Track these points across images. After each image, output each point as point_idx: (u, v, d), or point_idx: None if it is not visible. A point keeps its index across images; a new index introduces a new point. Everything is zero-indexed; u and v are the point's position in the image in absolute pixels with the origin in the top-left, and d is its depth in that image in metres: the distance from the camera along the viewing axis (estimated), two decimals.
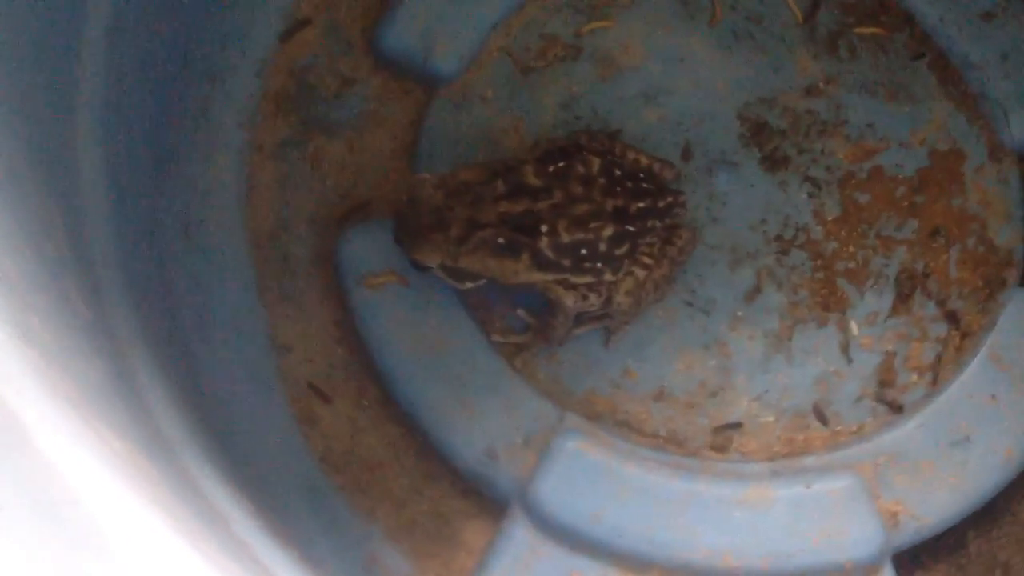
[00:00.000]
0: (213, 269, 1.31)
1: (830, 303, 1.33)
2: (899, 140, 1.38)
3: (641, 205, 1.22)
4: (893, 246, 1.35)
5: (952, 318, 1.33)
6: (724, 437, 1.29)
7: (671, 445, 1.29)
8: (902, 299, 1.33)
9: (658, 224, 1.24)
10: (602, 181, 1.21)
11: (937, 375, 1.32)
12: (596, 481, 1.22)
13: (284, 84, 1.40)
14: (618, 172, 1.23)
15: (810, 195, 1.36)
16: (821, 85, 1.39)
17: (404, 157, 1.38)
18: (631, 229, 1.22)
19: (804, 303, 1.33)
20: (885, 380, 1.31)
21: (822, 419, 1.30)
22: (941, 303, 1.34)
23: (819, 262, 1.34)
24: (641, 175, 1.26)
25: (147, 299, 1.08)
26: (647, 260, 1.24)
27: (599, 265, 1.21)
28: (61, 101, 1.02)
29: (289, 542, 1.02)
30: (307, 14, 1.42)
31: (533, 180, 1.20)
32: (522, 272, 1.19)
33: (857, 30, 1.42)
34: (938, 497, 1.27)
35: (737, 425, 1.29)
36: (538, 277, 1.20)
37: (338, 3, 1.43)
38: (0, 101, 0.87)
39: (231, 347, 1.29)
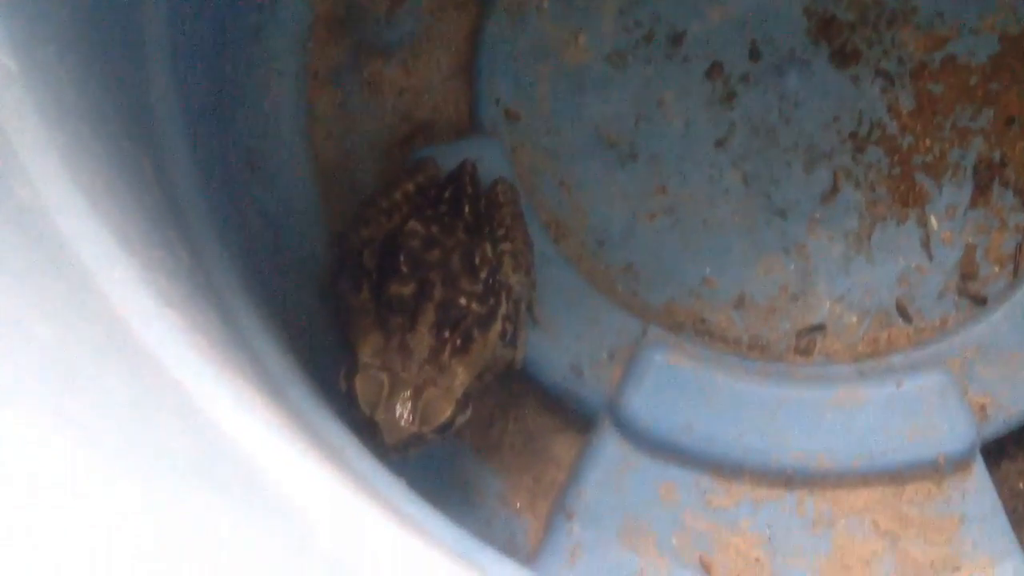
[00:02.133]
0: (281, 201, 1.29)
1: (909, 199, 1.31)
2: (969, 27, 1.34)
3: (468, 207, 1.19)
4: (969, 137, 1.32)
5: None
6: (808, 340, 1.28)
7: (755, 351, 1.28)
8: (980, 190, 1.31)
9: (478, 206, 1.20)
10: (435, 229, 1.14)
11: (1018, 265, 1.30)
12: (685, 391, 1.21)
13: (334, 6, 1.36)
14: (430, 211, 1.17)
15: (883, 89, 1.32)
16: None
17: (463, 75, 1.35)
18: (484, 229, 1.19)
19: (883, 200, 1.31)
20: (967, 273, 1.30)
21: (906, 316, 1.29)
22: (1019, 191, 1.32)
23: (896, 157, 1.31)
24: (432, 190, 1.21)
25: (229, 240, 1.07)
26: (501, 232, 1.20)
27: (498, 276, 1.16)
28: (131, 42, 0.99)
29: (388, 466, 1.02)
30: None
31: (403, 290, 1.09)
32: (492, 337, 1.12)
33: None
34: None
35: (820, 328, 1.29)
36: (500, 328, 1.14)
37: None
38: (80, 53, 0.85)
39: (305, 279, 1.29)
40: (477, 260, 1.13)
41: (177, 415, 0.55)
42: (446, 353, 1.05)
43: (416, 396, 1.03)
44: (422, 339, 1.06)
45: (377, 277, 1.11)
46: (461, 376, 1.06)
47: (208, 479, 0.50)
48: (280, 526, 0.54)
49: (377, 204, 1.21)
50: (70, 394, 0.44)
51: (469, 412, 1.07)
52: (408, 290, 1.09)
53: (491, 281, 1.13)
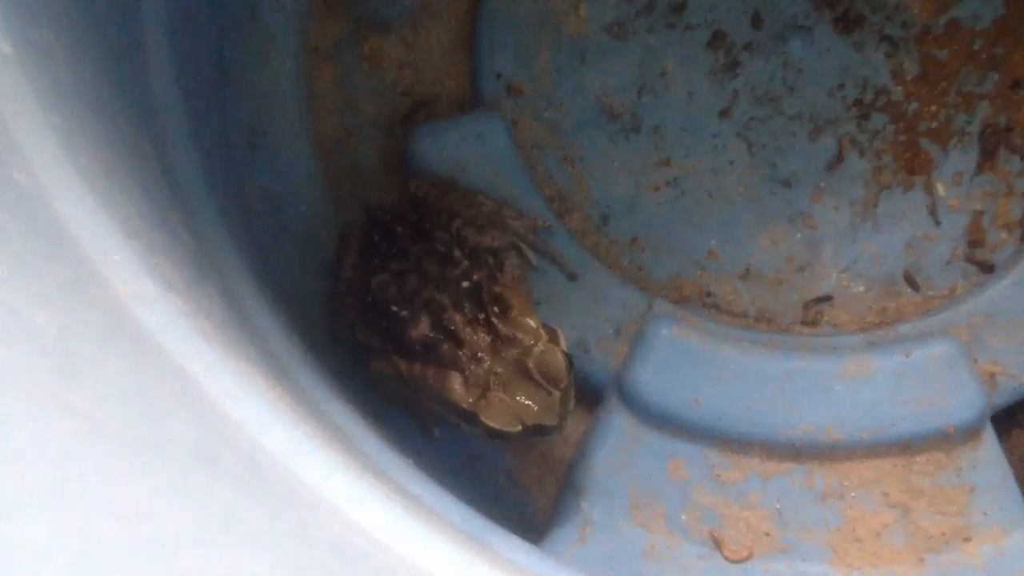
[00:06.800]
0: (283, 181, 1.28)
1: (915, 166, 1.29)
2: None
3: (399, 229, 1.19)
4: (975, 101, 1.31)
5: None
6: (815, 311, 1.27)
7: (761, 323, 1.28)
8: (987, 155, 1.30)
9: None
10: (394, 266, 1.16)
11: None
12: (692, 365, 1.21)
13: None
14: (377, 260, 1.18)
15: (887, 55, 1.31)
16: None
17: (463, 49, 1.34)
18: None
19: (888, 168, 1.30)
20: (975, 240, 1.28)
21: (913, 285, 1.28)
22: None
23: (901, 124, 1.30)
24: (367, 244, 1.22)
25: (231, 220, 1.06)
26: (444, 218, 1.20)
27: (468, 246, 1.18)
28: (127, 21, 0.98)
29: (395, 445, 1.02)
30: None
31: (419, 329, 1.09)
32: (510, 275, 1.16)
33: None
34: None
35: (827, 298, 1.28)
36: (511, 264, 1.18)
37: None
38: (75, 33, 0.83)
39: (307, 258, 1.28)
40: (442, 248, 1.14)
41: (180, 402, 0.55)
42: (498, 324, 1.06)
43: (525, 375, 1.04)
44: (476, 335, 1.06)
45: (393, 344, 1.12)
46: (527, 321, 1.07)
47: (211, 465, 0.49)
48: (285, 510, 0.53)
49: (337, 292, 1.21)
50: (70, 383, 0.44)
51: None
52: (423, 325, 1.09)
53: (467, 251, 1.14)
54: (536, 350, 1.05)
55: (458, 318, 1.08)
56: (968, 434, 1.21)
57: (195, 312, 0.68)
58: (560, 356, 1.05)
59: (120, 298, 0.60)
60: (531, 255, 1.23)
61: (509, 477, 1.25)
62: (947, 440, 1.21)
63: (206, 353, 0.63)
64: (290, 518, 0.52)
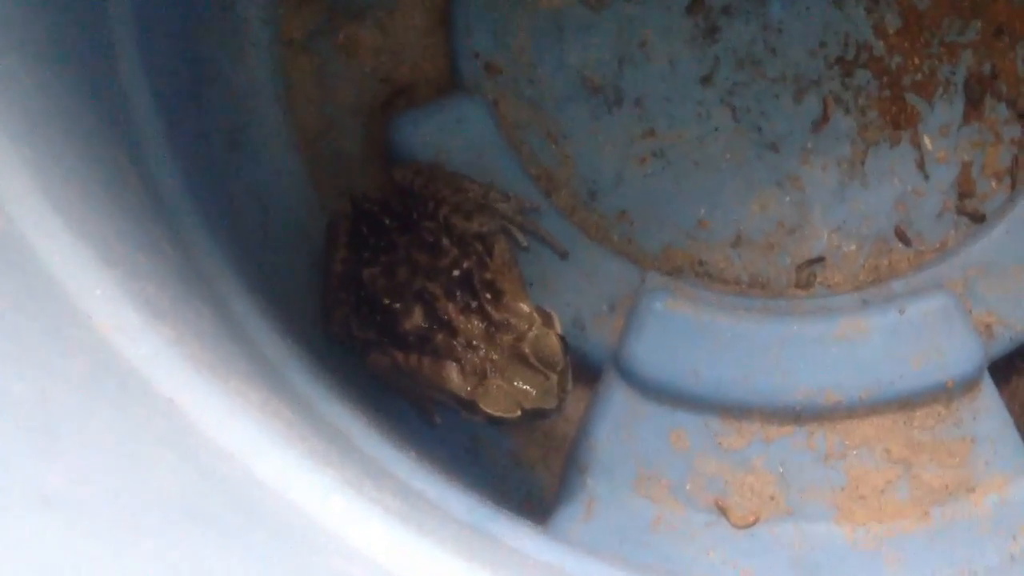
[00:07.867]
0: (266, 178, 1.27)
1: (901, 120, 1.28)
2: None
3: (387, 221, 1.18)
4: (958, 51, 1.29)
5: None
6: (808, 273, 1.27)
7: (755, 289, 1.27)
8: (973, 105, 1.29)
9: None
10: (383, 258, 1.14)
11: (1015, 178, 1.29)
12: (688, 336, 1.21)
13: None
14: (367, 254, 1.16)
15: (868, 10, 1.29)
16: None
17: (440, 32, 1.32)
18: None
19: (874, 124, 1.29)
20: (964, 191, 1.28)
21: (905, 240, 1.27)
22: (1012, 103, 1.29)
23: (885, 79, 1.29)
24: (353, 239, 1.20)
25: (216, 225, 1.06)
26: (431, 206, 1.19)
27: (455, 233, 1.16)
28: (97, 35, 0.97)
29: (396, 437, 1.02)
30: None
31: (412, 320, 1.08)
32: (500, 259, 1.15)
33: None
34: None
35: (819, 259, 1.27)
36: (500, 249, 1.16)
37: None
38: (44, 57, 0.82)
39: (295, 251, 1.28)
40: (430, 238, 1.13)
41: (168, 446, 0.54)
42: (491, 311, 1.06)
43: (521, 360, 1.04)
44: (469, 324, 1.06)
45: (387, 337, 1.11)
46: (520, 306, 1.07)
47: (202, 523, 0.49)
48: (282, 559, 0.53)
49: (329, 286, 1.20)
50: (49, 462, 0.43)
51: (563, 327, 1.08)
52: (416, 316, 1.08)
53: (455, 239, 1.13)
54: (531, 335, 1.05)
55: (450, 307, 1.07)
56: (967, 386, 1.21)
57: (181, 337, 0.67)
58: (555, 339, 1.05)
59: (103, 334, 0.60)
60: (520, 237, 1.23)
61: (512, 458, 1.26)
62: (946, 393, 1.21)
63: (195, 381, 0.63)
64: (288, 565, 0.52)
